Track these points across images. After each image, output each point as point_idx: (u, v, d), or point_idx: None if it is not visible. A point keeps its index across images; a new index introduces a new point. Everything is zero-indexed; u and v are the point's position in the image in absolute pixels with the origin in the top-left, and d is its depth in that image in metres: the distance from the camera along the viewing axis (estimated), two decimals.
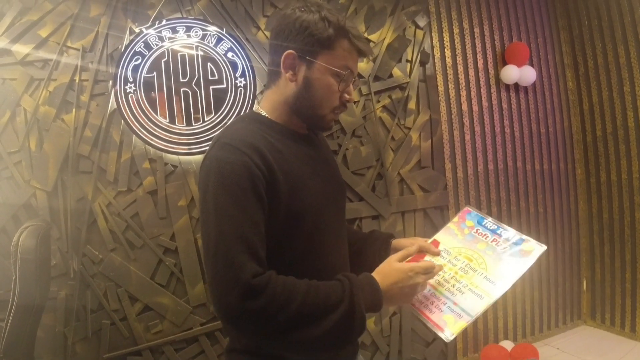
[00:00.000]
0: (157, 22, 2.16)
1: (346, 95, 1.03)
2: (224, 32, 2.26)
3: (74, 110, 2.05)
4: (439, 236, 1.17)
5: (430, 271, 0.99)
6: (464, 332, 2.75)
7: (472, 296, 0.98)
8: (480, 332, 2.80)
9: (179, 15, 2.22)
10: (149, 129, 2.14)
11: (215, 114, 2.25)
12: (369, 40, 2.58)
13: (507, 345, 2.73)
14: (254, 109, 1.11)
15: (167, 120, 2.17)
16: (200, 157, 2.23)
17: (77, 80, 2.05)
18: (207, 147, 2.16)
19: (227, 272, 0.84)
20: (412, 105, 2.69)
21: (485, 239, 1.10)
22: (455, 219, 1.20)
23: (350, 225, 1.34)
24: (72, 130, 2.04)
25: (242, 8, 2.33)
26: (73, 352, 2.02)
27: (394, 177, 2.62)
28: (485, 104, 2.91)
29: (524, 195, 3.00)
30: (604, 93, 3.01)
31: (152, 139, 2.15)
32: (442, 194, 2.74)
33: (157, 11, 2.18)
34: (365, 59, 2.54)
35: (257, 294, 0.84)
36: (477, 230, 1.13)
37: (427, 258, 1.10)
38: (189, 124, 2.21)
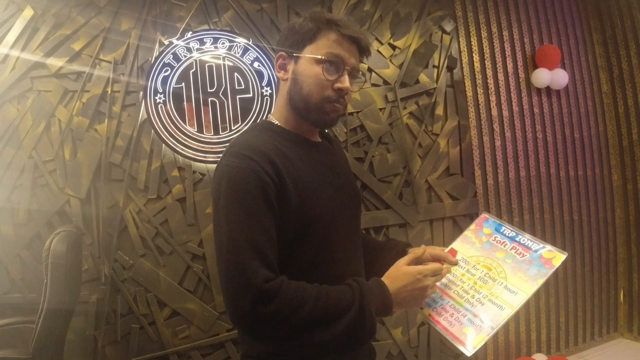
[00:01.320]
0: (185, 34, 2.22)
1: (338, 84, 1.00)
2: (250, 43, 2.30)
3: (106, 120, 2.12)
4: (456, 245, 1.16)
5: (438, 273, 0.99)
6: (494, 344, 2.68)
7: (492, 307, 0.96)
8: (512, 344, 2.72)
9: (206, 27, 2.28)
10: (178, 138, 2.19)
11: (242, 123, 2.29)
12: (395, 46, 2.57)
13: (540, 358, 2.64)
14: (267, 118, 1.12)
15: (196, 130, 2.22)
16: None
17: (109, 92, 2.13)
18: None
19: (239, 277, 0.85)
20: (439, 111, 2.65)
21: (504, 246, 1.08)
22: (473, 226, 1.18)
23: (366, 234, 1.34)
24: (104, 139, 2.12)
25: (268, 18, 2.37)
26: (102, 355, 2.08)
27: (421, 184, 2.59)
28: (515, 108, 2.84)
29: (558, 202, 2.91)
30: (639, 96, 2.90)
31: (181, 148, 2.20)
32: (472, 201, 2.69)
33: (185, 23, 2.24)
34: (390, 65, 2.54)
35: (270, 299, 0.85)
36: (495, 238, 1.11)
37: (445, 267, 1.08)
38: (216, 133, 2.25)
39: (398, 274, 0.99)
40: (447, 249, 1.14)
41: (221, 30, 2.28)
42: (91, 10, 2.13)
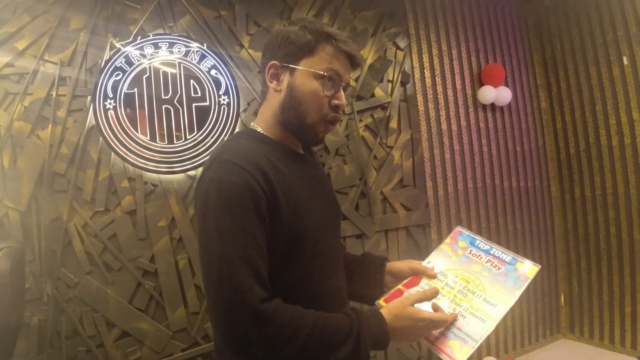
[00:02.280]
0: (139, 37, 2.12)
1: (335, 101, 0.98)
2: (207, 50, 2.23)
3: (50, 126, 1.96)
4: (432, 258, 1.17)
5: (442, 325, 0.98)
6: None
7: (474, 320, 0.98)
8: None
9: (161, 31, 2.18)
10: (129, 146, 2.07)
11: (197, 132, 2.20)
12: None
13: None
14: (251, 125, 1.08)
15: (148, 138, 2.11)
16: (181, 176, 2.17)
17: (54, 95, 1.97)
18: (189, 165, 2.11)
19: (233, 295, 0.81)
20: (393, 124, 2.71)
21: (480, 259, 1.11)
22: (448, 240, 1.20)
23: (342, 248, 1.32)
24: (47, 147, 1.95)
25: (226, 26, 2.31)
26: None
27: (377, 195, 2.62)
28: (463, 123, 2.96)
29: (502, 212, 3.06)
30: (576, 112, 3.13)
31: (131, 157, 2.07)
32: (424, 212, 2.76)
33: (139, 27, 2.13)
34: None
35: (266, 322, 0.82)
36: (470, 251, 1.14)
37: (424, 281, 1.10)
38: (170, 141, 2.15)
39: (403, 315, 0.96)
40: (424, 262, 1.16)
41: (178, 35, 2.19)
42: (38, 7, 1.96)
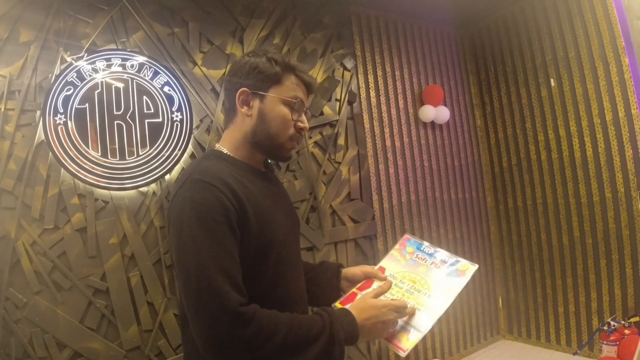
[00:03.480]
0: (90, 52, 2.10)
1: (300, 124, 1.11)
2: (160, 66, 2.24)
3: None
4: (384, 263, 1.29)
5: (401, 310, 1.07)
6: (394, 352, 2.85)
7: (420, 314, 1.09)
8: (411, 353, 2.92)
9: (113, 46, 2.17)
10: (79, 162, 2.03)
11: (150, 148, 2.20)
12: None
13: None
14: (215, 147, 1.16)
15: (99, 154, 2.08)
16: (133, 192, 2.15)
17: (2, 109, 1.90)
18: (141, 182, 2.11)
19: (212, 302, 0.87)
20: (341, 141, 2.83)
21: (425, 262, 1.23)
22: (397, 246, 1.32)
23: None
24: None
25: (179, 43, 2.34)
26: None
27: (326, 209, 2.71)
28: (406, 140, 3.14)
29: (443, 222, 3.24)
30: (508, 129, 3.38)
31: (82, 173, 2.03)
32: (371, 224, 2.88)
33: (91, 41, 2.11)
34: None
35: (245, 323, 0.88)
36: (417, 255, 1.26)
37: (376, 283, 1.21)
38: (122, 158, 2.13)
39: (365, 306, 1.06)
40: (377, 267, 1.27)
41: (130, 50, 2.19)
42: None
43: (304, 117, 1.13)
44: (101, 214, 2.09)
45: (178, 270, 0.94)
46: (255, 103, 1.09)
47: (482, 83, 3.56)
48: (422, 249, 1.27)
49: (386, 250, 2.90)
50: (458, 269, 1.18)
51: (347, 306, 1.08)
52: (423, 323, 1.07)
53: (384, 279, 1.20)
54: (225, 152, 1.12)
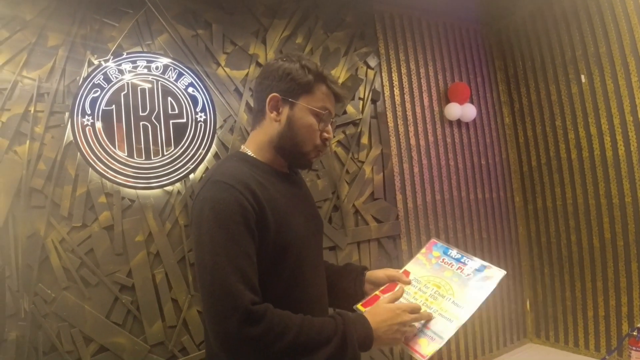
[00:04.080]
0: (117, 55, 2.16)
1: (325, 134, 1.12)
2: (184, 67, 2.28)
3: (27, 141, 1.97)
4: (409, 266, 1.27)
5: (416, 311, 1.06)
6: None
7: (442, 320, 1.07)
8: (434, 355, 2.88)
9: (139, 49, 2.22)
10: (106, 162, 2.09)
11: (175, 148, 2.24)
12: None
13: None
14: (240, 148, 1.18)
15: (126, 154, 2.14)
16: (158, 191, 2.20)
17: (32, 111, 1.98)
18: (166, 181, 2.16)
19: (224, 300, 0.89)
20: (364, 140, 2.81)
21: (451, 267, 1.20)
22: (423, 250, 1.30)
23: (325, 260, 1.39)
24: (25, 162, 1.95)
25: (203, 44, 2.38)
26: None
27: (349, 209, 2.70)
28: (431, 138, 3.09)
29: (469, 222, 3.18)
30: (537, 127, 3.29)
31: (109, 173, 2.09)
32: (394, 224, 2.85)
33: (117, 44, 2.17)
34: None
35: (256, 321, 0.89)
36: (443, 259, 1.23)
37: (399, 287, 1.19)
38: (147, 157, 2.18)
39: (378, 310, 1.06)
40: (401, 270, 1.25)
41: (155, 53, 2.24)
42: (16, 24, 1.98)
43: (329, 128, 1.14)
44: (127, 213, 2.15)
45: (196, 269, 0.96)
46: (285, 109, 1.10)
47: (510, 80, 3.48)
48: (448, 253, 1.25)
49: (410, 251, 2.89)
50: (485, 275, 1.14)
51: (363, 312, 1.07)
52: (445, 329, 1.05)
53: (408, 282, 1.19)
54: (250, 153, 1.14)
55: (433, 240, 1.32)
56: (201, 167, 2.29)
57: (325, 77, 1.12)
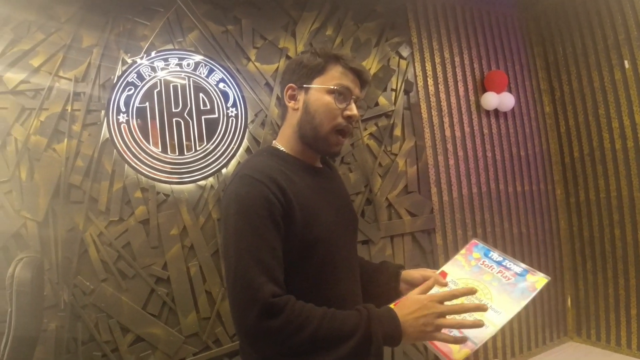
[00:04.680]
0: (149, 53, 2.20)
1: (347, 112, 1.09)
2: (215, 63, 2.31)
3: (65, 139, 2.05)
4: (446, 267, 1.22)
5: (448, 298, 0.99)
6: None
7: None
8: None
9: (170, 46, 2.26)
10: (141, 158, 2.15)
11: (207, 143, 2.28)
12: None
13: None
14: (272, 143, 1.19)
15: (160, 150, 2.19)
16: (192, 186, 2.25)
17: (69, 110, 2.06)
18: (199, 176, 2.20)
19: (245, 292, 0.90)
20: (397, 132, 2.77)
21: (491, 270, 1.14)
22: (463, 251, 1.25)
23: (361, 257, 1.37)
24: (63, 160, 2.04)
25: (233, 40, 2.39)
26: None
27: (382, 202, 2.67)
28: (467, 129, 3.01)
29: (507, 216, 3.08)
30: (579, 116, 3.15)
31: (144, 168, 2.15)
32: (429, 217, 2.80)
33: (149, 42, 2.22)
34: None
35: (276, 314, 0.89)
36: (483, 262, 1.18)
37: (435, 288, 1.13)
38: (181, 153, 2.23)
39: (407, 302, 1.00)
40: (438, 271, 1.21)
41: (186, 50, 2.27)
42: (51, 25, 2.06)
43: (352, 105, 1.10)
44: (162, 207, 2.20)
45: (223, 262, 0.97)
46: (301, 96, 1.11)
47: (549, 67, 3.33)
48: (489, 255, 1.19)
49: (445, 245, 2.83)
50: (527, 280, 1.07)
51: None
52: (480, 334, 0.99)
53: (445, 284, 1.13)
54: (280, 148, 1.15)
55: (474, 241, 1.26)
56: (233, 162, 2.32)
57: (337, 57, 1.10)
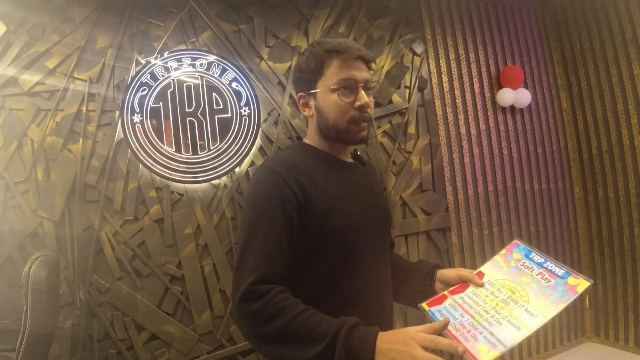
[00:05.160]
0: (162, 53, 2.21)
1: (357, 102, 1.07)
2: (228, 63, 2.31)
3: (80, 140, 2.07)
4: (484, 268, 1.20)
5: (427, 344, 0.87)
6: None
7: (509, 327, 0.98)
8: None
9: (184, 46, 2.27)
10: (156, 158, 2.17)
11: (220, 143, 2.28)
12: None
13: None
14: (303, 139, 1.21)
15: (174, 149, 2.20)
16: (205, 185, 2.26)
17: (84, 111, 2.08)
18: (213, 175, 2.21)
19: (237, 275, 0.95)
20: (411, 129, 2.74)
21: (531, 272, 1.11)
22: (503, 251, 1.22)
23: (399, 256, 1.37)
24: (79, 160, 2.06)
25: (246, 39, 2.39)
26: None
27: (396, 200, 2.65)
28: (482, 126, 2.97)
29: (524, 215, 3.04)
30: (597, 112, 3.08)
31: (158, 168, 2.17)
32: (444, 216, 2.77)
33: (163, 43, 2.23)
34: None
35: (255, 298, 0.91)
36: (523, 263, 1.15)
37: (471, 288, 1.13)
38: (194, 152, 2.24)
39: (396, 331, 0.91)
40: (475, 272, 1.18)
41: (199, 50, 2.28)
42: (66, 27, 2.08)
43: (361, 94, 1.08)
44: (177, 206, 2.22)
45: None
46: (312, 102, 1.13)
47: (567, 62, 3.26)
48: (530, 256, 1.16)
49: (460, 244, 2.80)
50: (568, 283, 1.03)
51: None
52: (511, 337, 0.95)
53: (481, 284, 1.12)
54: (309, 143, 1.18)
55: (515, 241, 1.23)
56: (246, 161, 2.32)
57: (330, 51, 1.08)
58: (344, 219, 1.05)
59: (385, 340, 0.87)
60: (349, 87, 1.07)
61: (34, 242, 1.99)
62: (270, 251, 0.95)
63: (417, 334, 0.88)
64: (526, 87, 3.10)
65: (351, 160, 1.21)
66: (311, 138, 1.18)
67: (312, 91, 1.11)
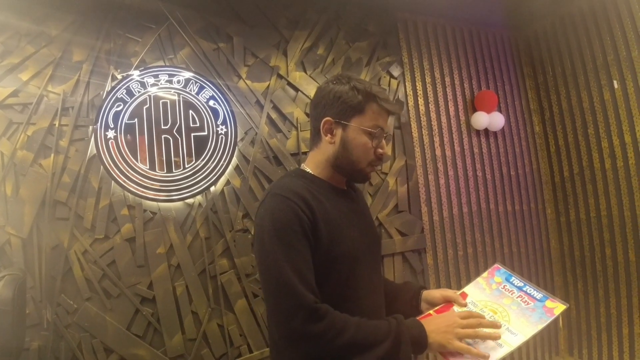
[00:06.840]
0: (139, 69, 2.19)
1: (379, 150, 1.16)
2: (205, 80, 2.30)
3: (52, 155, 2.02)
4: (467, 289, 1.28)
5: (467, 317, 1.09)
6: None
7: (492, 344, 1.06)
8: None
9: (161, 63, 2.26)
10: (129, 175, 2.13)
11: (196, 161, 2.26)
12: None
13: None
14: (301, 166, 1.25)
15: (147, 167, 2.17)
16: (179, 204, 2.22)
17: (56, 125, 2.04)
18: (187, 194, 2.18)
19: (290, 300, 0.98)
20: (388, 151, 2.76)
21: (512, 294, 1.19)
22: (485, 274, 1.30)
23: (386, 277, 1.45)
24: (49, 175, 2.01)
25: (224, 58, 2.39)
26: None
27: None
28: (457, 148, 3.01)
29: (498, 236, 3.08)
30: (569, 136, 3.16)
31: (131, 186, 2.13)
32: (420, 237, 2.78)
33: (140, 59, 2.21)
34: None
35: (319, 318, 0.98)
36: (504, 286, 1.23)
37: (455, 308, 1.20)
38: (169, 170, 2.21)
39: (432, 319, 1.12)
40: (459, 292, 1.26)
41: (177, 67, 2.27)
42: (42, 39, 2.05)
43: (383, 143, 1.17)
44: (149, 225, 2.17)
45: (261, 278, 1.05)
46: (338, 131, 1.15)
47: (539, 87, 3.36)
48: (511, 280, 1.24)
49: (435, 265, 2.82)
50: (546, 306, 1.11)
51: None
52: (493, 353, 1.03)
53: (464, 305, 1.20)
54: (308, 170, 1.20)
55: (497, 265, 1.31)
56: (222, 180, 2.30)
57: (375, 96, 1.14)
58: (346, 247, 1.10)
59: (431, 323, 1.09)
60: (378, 134, 1.14)
61: (0, 259, 1.91)
62: (307, 274, 1.01)
63: (457, 312, 1.13)
64: (500, 111, 3.17)
65: (345, 188, 1.25)
66: (314, 163, 1.21)
67: (345, 122, 1.14)
